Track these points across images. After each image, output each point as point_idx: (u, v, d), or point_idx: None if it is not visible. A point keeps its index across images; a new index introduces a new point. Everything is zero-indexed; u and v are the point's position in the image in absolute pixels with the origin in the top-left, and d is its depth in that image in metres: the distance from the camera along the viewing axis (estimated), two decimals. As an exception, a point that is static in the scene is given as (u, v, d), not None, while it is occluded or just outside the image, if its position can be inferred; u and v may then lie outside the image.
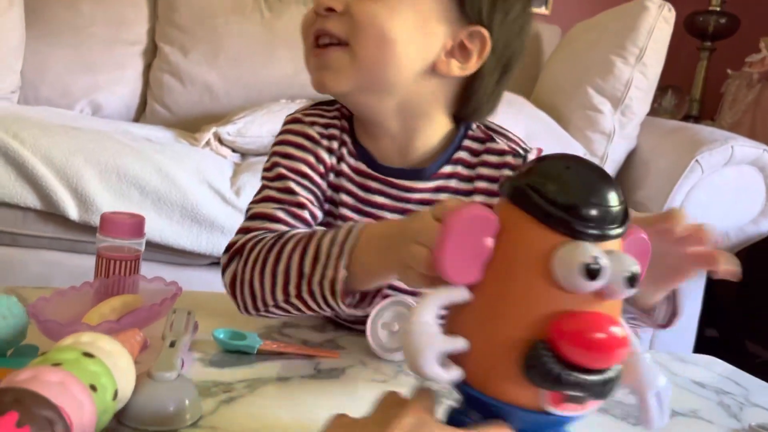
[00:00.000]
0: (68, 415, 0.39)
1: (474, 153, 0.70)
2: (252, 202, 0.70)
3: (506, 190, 0.41)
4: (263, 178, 0.71)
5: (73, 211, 1.35)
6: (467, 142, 0.71)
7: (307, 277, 0.59)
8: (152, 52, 1.98)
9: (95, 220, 1.36)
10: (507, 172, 0.69)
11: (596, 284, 0.38)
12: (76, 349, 0.45)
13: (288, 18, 1.95)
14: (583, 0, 2.42)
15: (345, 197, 0.71)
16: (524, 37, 0.69)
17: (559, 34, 2.20)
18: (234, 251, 0.65)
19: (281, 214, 0.67)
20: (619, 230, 0.40)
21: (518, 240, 0.40)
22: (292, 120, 0.73)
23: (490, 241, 0.40)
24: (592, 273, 0.37)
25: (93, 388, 0.43)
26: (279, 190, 0.68)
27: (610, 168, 1.76)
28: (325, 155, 0.70)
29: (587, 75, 1.77)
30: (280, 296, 0.61)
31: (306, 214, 0.68)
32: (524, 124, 1.65)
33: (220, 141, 1.63)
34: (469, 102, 0.69)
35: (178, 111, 1.93)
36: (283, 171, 0.69)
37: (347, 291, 0.58)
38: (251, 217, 0.68)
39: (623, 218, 0.40)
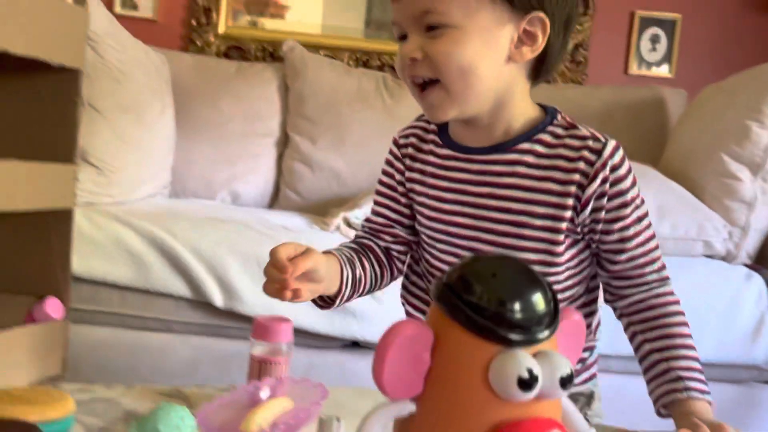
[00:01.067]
0: None
1: (556, 136, 0.77)
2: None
3: (435, 295, 0.42)
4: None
5: (218, 299, 1.46)
6: (550, 128, 0.78)
7: None
8: (284, 142, 2.12)
9: (239, 307, 1.46)
10: (586, 154, 0.75)
11: (532, 394, 0.39)
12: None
13: (408, 102, 2.03)
14: (708, 62, 2.33)
15: (435, 181, 0.82)
16: None
17: (685, 98, 2.12)
18: None
19: (372, 218, 0.90)
20: (548, 331, 0.41)
21: (453, 351, 0.41)
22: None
23: (426, 356, 0.41)
24: (526, 385, 0.38)
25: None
26: (376, 195, 0.90)
27: (755, 239, 1.65)
28: (398, 163, 0.87)
29: (721, 141, 1.69)
30: None
31: (389, 212, 0.88)
32: (654, 196, 1.60)
33: (349, 224, 1.71)
34: (543, 64, 0.77)
35: (309, 196, 2.04)
36: (379, 184, 0.90)
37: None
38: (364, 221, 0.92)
39: (553, 317, 0.41)
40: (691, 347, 0.77)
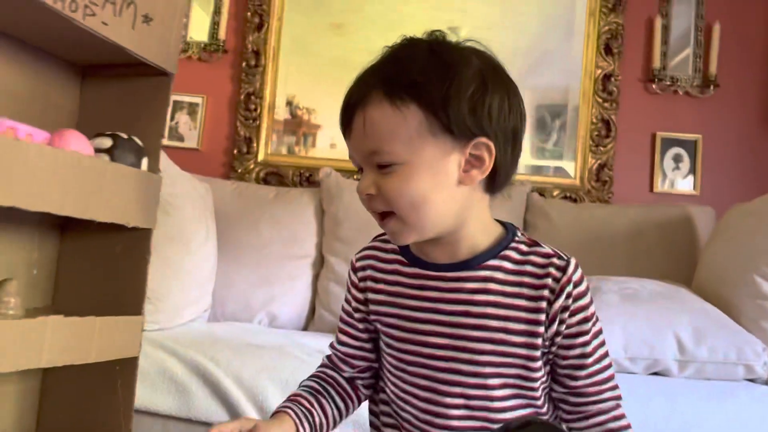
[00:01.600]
0: None
1: (520, 252, 0.80)
2: None
3: None
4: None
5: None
6: (514, 245, 0.81)
7: None
8: (320, 263, 2.19)
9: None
10: (553, 271, 0.78)
11: None
12: None
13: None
14: (732, 178, 2.39)
15: (407, 301, 0.82)
16: (516, 110, 0.78)
17: (713, 216, 2.17)
18: None
19: (338, 337, 0.91)
20: None
21: None
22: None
23: None
24: None
25: None
26: (342, 315, 0.91)
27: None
28: (354, 291, 0.88)
29: (753, 263, 1.71)
30: None
31: (352, 330, 0.89)
32: (690, 319, 1.61)
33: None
34: (496, 179, 0.78)
35: (344, 318, 2.08)
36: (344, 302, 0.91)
37: None
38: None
39: None
40: None
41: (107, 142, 0.79)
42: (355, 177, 2.27)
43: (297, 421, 0.83)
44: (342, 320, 0.92)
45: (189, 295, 1.89)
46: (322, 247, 2.21)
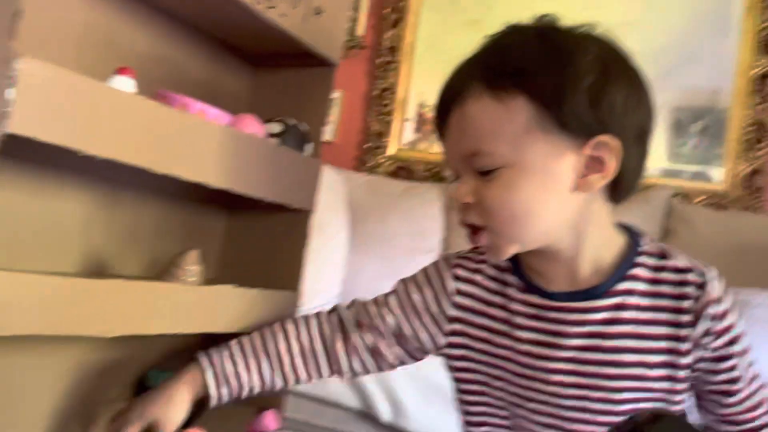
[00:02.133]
0: None
1: (650, 268, 0.70)
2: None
3: None
4: (398, 284, 0.81)
5: (386, 414, 1.51)
6: (641, 259, 0.70)
7: None
8: (445, 258, 2.20)
9: (404, 424, 1.50)
10: (689, 291, 0.68)
11: None
12: None
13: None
14: None
15: (524, 334, 0.71)
16: (644, 104, 0.67)
17: None
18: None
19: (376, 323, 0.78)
20: None
21: None
22: (444, 257, 0.79)
23: None
24: None
25: None
26: (376, 300, 0.80)
27: None
28: (443, 298, 0.75)
29: None
30: None
31: (377, 323, 0.77)
32: None
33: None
34: (620, 185, 0.67)
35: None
36: (396, 288, 0.79)
37: None
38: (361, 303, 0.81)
39: None
40: None
41: (277, 128, 0.85)
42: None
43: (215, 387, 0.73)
44: (401, 305, 0.78)
45: (321, 280, 1.97)
46: (447, 243, 2.22)
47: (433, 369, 1.54)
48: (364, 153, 2.51)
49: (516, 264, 0.73)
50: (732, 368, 0.70)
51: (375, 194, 2.29)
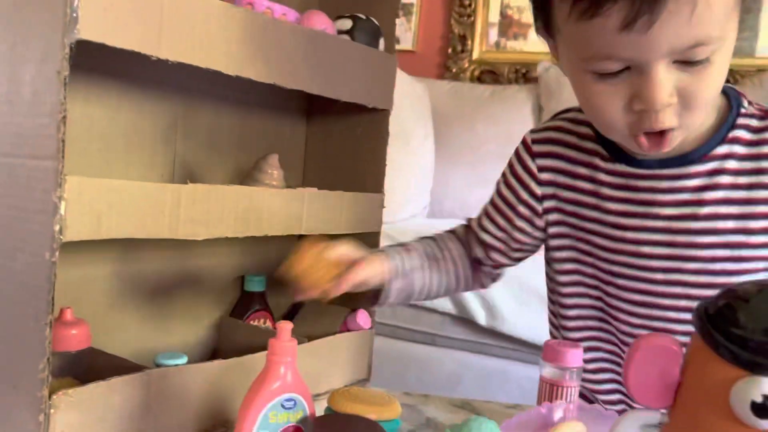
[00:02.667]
0: None
1: (752, 130, 0.64)
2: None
3: (694, 321, 0.43)
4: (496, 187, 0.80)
5: (482, 318, 1.51)
6: (742, 120, 0.65)
7: None
8: (537, 162, 2.13)
9: (500, 327, 1.50)
10: None
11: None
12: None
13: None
14: None
15: (612, 205, 0.68)
16: None
17: None
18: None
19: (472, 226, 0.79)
20: None
21: (700, 372, 0.41)
22: (522, 140, 0.77)
23: (675, 370, 0.43)
24: (761, 410, 0.37)
25: None
26: (496, 203, 0.78)
27: None
28: (527, 179, 0.73)
29: None
30: None
31: (482, 237, 0.78)
32: None
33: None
34: None
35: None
36: (502, 189, 0.77)
37: None
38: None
39: None
40: None
41: (348, 23, 0.81)
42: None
43: (400, 271, 0.75)
44: (495, 207, 0.77)
45: (409, 192, 1.96)
46: (539, 146, 2.15)
47: (526, 273, 1.52)
48: (447, 59, 2.43)
49: (598, 131, 0.68)
50: None
51: (460, 101, 2.22)
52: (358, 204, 0.85)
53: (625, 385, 0.44)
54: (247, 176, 0.79)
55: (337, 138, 0.94)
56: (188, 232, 0.65)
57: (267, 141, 0.93)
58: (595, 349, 0.79)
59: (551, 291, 0.80)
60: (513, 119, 2.16)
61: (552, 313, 0.82)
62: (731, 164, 0.64)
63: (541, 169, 0.73)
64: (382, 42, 0.86)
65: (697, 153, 0.65)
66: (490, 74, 2.39)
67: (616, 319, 0.73)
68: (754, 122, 0.65)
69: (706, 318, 0.42)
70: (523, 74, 2.34)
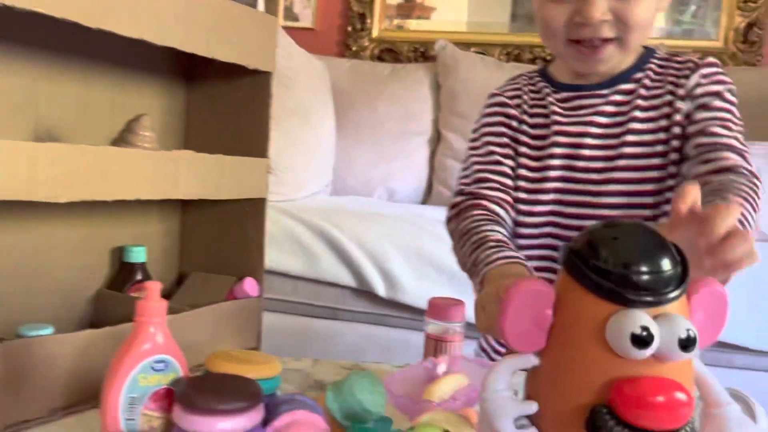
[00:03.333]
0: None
1: (660, 62, 0.84)
2: (462, 170, 0.89)
3: (561, 258, 0.44)
4: (470, 149, 0.89)
5: (381, 289, 1.52)
6: (654, 58, 0.84)
7: (469, 270, 0.77)
8: (436, 139, 2.17)
9: (400, 297, 1.52)
10: (689, 65, 0.81)
11: (647, 352, 0.39)
12: (437, 427, 0.52)
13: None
14: None
15: (561, 118, 0.84)
16: None
17: None
18: (450, 216, 0.86)
19: (486, 176, 0.85)
20: (674, 293, 0.40)
21: (574, 310, 0.42)
22: (489, 95, 0.92)
23: (548, 312, 0.43)
24: (640, 342, 0.38)
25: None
26: (482, 154, 0.86)
27: None
28: (510, 121, 0.87)
29: None
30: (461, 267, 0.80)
31: (504, 168, 0.85)
32: None
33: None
34: None
35: (462, 191, 2.07)
36: (486, 138, 0.87)
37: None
38: (465, 181, 0.87)
39: (680, 280, 0.41)
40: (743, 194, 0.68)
41: (224, -19, 0.79)
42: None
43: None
44: (487, 164, 0.85)
45: (311, 169, 1.94)
46: (438, 123, 2.18)
47: (425, 243, 1.55)
48: (347, 37, 2.42)
49: (543, 71, 0.89)
50: (714, 116, 0.78)
51: (360, 79, 2.22)
52: (241, 169, 0.83)
53: (500, 335, 0.44)
54: (118, 139, 0.75)
55: (219, 102, 0.91)
56: (48, 194, 0.61)
57: (144, 105, 0.89)
58: (547, 264, 0.87)
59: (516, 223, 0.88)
60: (412, 97, 2.19)
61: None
62: (647, 83, 0.82)
63: (516, 108, 0.88)
64: (261, 2, 0.84)
65: (624, 76, 0.83)
66: (389, 53, 2.40)
67: (564, 227, 0.84)
68: (663, 58, 0.84)
69: (572, 254, 0.43)
70: (422, 53, 2.36)
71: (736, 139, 0.77)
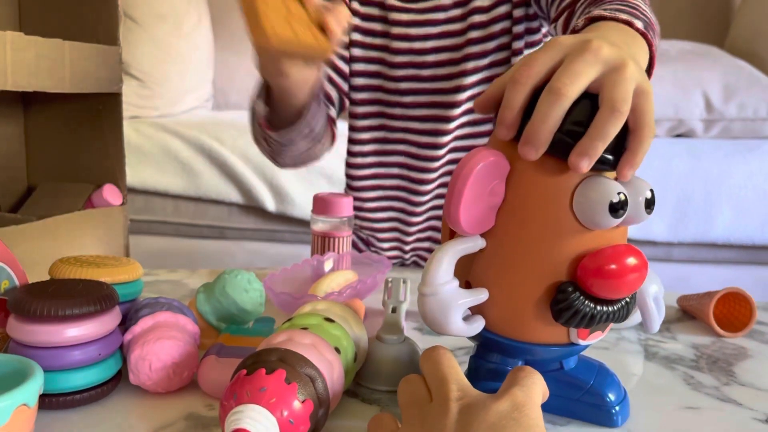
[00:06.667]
0: (323, 374, 0.41)
1: None
2: None
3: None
4: None
5: (270, 204, 1.45)
6: None
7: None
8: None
9: (290, 211, 1.46)
10: None
11: (619, 219, 0.37)
12: (317, 315, 0.47)
13: None
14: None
15: (402, 29, 0.82)
16: None
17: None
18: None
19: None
20: (622, 152, 0.37)
21: (532, 180, 0.37)
22: None
23: (501, 188, 0.38)
24: (616, 210, 0.36)
25: (337, 350, 0.44)
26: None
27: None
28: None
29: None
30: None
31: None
32: (721, 76, 1.50)
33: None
34: None
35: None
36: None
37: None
38: None
39: (621, 140, 0.37)
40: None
41: None
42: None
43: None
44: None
45: (187, 82, 1.80)
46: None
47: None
48: (221, -60, 2.22)
49: None
50: None
51: (238, -15, 2.05)
52: (87, 57, 0.72)
53: (449, 214, 0.37)
54: None
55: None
56: None
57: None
58: (379, 186, 0.89)
59: (349, 140, 0.89)
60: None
61: (348, 153, 0.90)
62: None
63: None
64: None
65: None
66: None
67: (400, 141, 0.85)
68: None
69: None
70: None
71: None
